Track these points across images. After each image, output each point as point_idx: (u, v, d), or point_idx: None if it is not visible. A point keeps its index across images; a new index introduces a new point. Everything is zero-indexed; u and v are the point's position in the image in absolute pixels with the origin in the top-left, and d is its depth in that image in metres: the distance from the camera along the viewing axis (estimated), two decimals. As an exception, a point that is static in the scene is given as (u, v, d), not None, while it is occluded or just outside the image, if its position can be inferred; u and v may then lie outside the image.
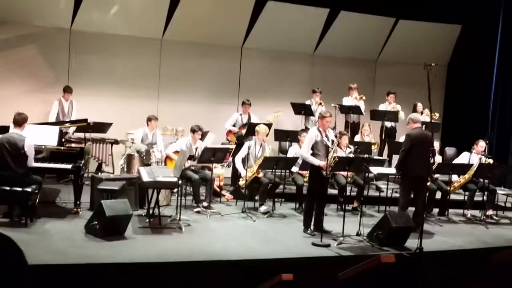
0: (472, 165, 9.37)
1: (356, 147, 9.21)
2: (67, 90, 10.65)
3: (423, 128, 8.93)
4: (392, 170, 9.75)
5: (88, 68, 11.27)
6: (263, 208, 8.85)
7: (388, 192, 9.71)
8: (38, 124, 8.28)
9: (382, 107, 11.88)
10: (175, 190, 8.49)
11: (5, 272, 1.38)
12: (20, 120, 7.10)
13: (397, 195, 9.68)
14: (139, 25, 11.59)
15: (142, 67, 11.72)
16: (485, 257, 5.97)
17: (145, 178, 7.65)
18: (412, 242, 7.21)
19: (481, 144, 9.70)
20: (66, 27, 11.06)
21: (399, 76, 13.16)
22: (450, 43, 13.62)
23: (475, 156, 9.64)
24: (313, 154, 7.71)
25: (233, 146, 9.47)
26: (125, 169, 9.24)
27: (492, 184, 9.61)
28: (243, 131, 10.49)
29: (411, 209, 8.16)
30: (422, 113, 11.74)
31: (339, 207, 9.44)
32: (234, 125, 10.77)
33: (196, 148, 9.11)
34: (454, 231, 8.61)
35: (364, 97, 11.55)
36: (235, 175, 10.32)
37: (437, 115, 11.97)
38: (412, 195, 8.14)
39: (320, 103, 11.30)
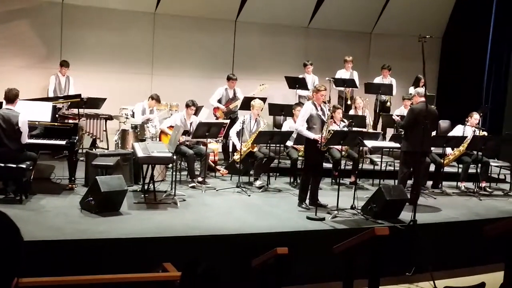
0: (466, 137, 9.38)
1: (350, 120, 9.20)
2: (64, 64, 10.49)
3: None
4: (386, 144, 9.79)
5: (81, 43, 11.11)
6: (258, 183, 8.88)
7: (382, 166, 9.74)
8: (31, 100, 8.20)
9: (377, 80, 11.82)
10: (170, 165, 8.49)
11: (1, 248, 1.38)
12: (11, 96, 7.02)
13: (391, 168, 9.74)
14: (132, -2, 11.45)
15: (135, 42, 11.58)
16: (478, 229, 6.02)
17: (140, 153, 7.64)
18: (406, 215, 7.27)
19: (475, 117, 9.66)
20: (58, 0, 10.89)
21: (394, 48, 13.07)
22: (445, 14, 13.52)
23: (469, 128, 9.63)
24: (308, 128, 7.70)
25: (227, 121, 9.43)
26: (119, 145, 9.23)
27: (486, 156, 9.64)
28: (231, 106, 10.38)
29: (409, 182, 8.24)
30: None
31: (333, 181, 9.48)
32: (219, 101, 10.42)
33: (191, 123, 9.07)
34: (448, 203, 8.66)
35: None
36: (226, 149, 10.34)
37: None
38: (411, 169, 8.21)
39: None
